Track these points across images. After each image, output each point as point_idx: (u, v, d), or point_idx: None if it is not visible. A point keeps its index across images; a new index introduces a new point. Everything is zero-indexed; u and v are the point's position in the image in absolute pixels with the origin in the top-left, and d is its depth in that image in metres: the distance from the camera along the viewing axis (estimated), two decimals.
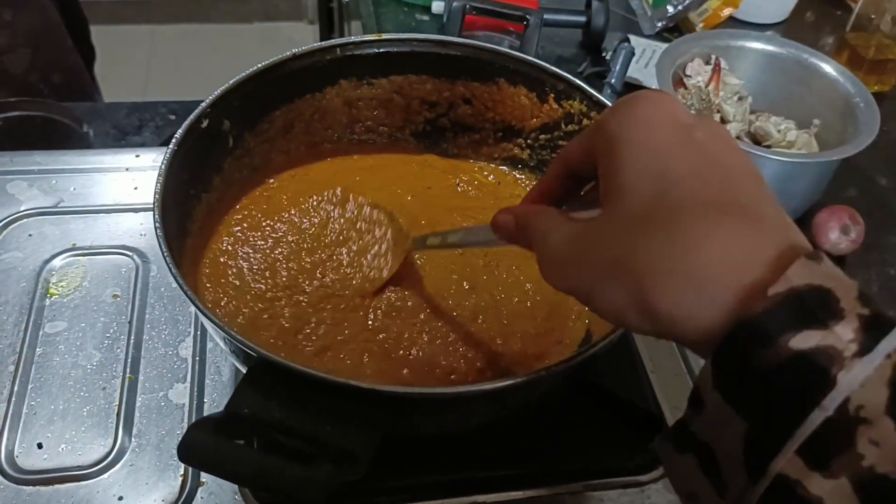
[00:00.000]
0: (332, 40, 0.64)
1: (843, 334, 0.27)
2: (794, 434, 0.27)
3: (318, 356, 0.54)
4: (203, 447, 0.40)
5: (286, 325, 0.56)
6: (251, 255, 0.60)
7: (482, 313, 0.58)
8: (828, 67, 0.87)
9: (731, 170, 0.33)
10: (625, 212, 0.32)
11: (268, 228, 0.62)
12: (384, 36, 0.65)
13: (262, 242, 0.61)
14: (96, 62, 1.33)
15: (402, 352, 0.55)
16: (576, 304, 0.59)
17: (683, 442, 0.31)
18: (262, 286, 0.58)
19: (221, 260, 0.59)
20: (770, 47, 0.91)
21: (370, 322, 0.56)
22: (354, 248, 0.61)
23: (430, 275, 0.60)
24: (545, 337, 0.57)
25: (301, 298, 0.57)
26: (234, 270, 0.59)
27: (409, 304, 0.58)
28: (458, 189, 0.69)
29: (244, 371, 0.46)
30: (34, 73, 1.08)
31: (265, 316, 0.56)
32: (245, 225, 0.62)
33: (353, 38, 0.64)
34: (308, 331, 0.55)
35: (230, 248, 0.60)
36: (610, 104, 0.60)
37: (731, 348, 0.29)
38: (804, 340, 0.27)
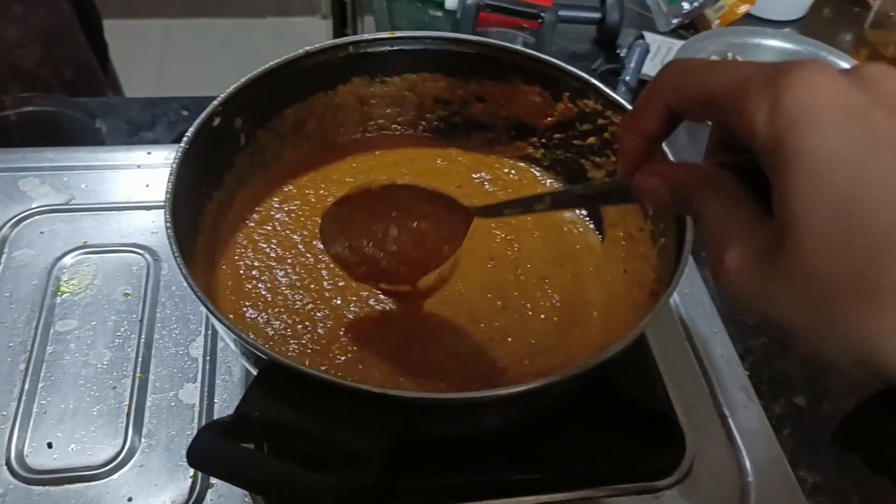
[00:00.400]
0: (345, 38, 0.63)
1: None
2: None
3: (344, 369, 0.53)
4: (213, 452, 0.40)
5: (312, 336, 0.55)
6: (276, 259, 0.60)
7: (512, 333, 0.57)
8: (846, 65, 0.86)
9: None
10: (814, 251, 0.27)
11: (292, 230, 0.62)
12: (397, 34, 0.64)
13: (287, 247, 0.61)
14: (111, 56, 1.33)
15: (432, 376, 0.54)
16: (598, 315, 0.58)
17: None
18: (290, 296, 0.57)
19: (243, 264, 0.59)
20: (787, 45, 0.90)
21: (400, 343, 0.55)
22: (399, 239, 0.54)
23: (466, 295, 0.59)
24: (569, 349, 0.56)
25: (327, 312, 0.57)
26: (259, 277, 0.58)
27: (441, 324, 0.57)
28: (486, 188, 0.68)
29: (255, 373, 0.46)
30: (46, 69, 1.08)
31: (291, 328, 0.55)
32: (267, 227, 0.62)
33: (365, 36, 0.64)
34: (336, 348, 0.55)
35: (251, 252, 0.60)
36: (625, 103, 0.59)
37: None
38: None
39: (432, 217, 0.53)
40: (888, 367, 0.26)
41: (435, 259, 0.54)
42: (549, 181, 0.69)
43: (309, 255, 0.60)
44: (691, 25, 1.12)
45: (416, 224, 0.53)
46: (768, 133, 0.28)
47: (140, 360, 0.60)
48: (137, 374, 0.59)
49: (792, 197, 0.27)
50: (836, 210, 0.26)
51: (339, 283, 0.58)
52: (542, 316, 0.58)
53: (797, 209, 0.27)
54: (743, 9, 1.11)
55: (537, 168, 0.69)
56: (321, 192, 0.65)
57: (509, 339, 0.56)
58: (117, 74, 1.33)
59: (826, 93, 0.27)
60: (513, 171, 0.69)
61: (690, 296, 0.69)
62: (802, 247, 0.27)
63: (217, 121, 0.57)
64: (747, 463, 0.57)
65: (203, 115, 0.56)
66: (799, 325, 0.28)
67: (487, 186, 0.68)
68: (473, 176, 0.68)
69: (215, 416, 0.57)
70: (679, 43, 0.99)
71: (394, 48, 0.65)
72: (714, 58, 0.89)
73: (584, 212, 0.66)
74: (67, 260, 0.66)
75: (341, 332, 0.55)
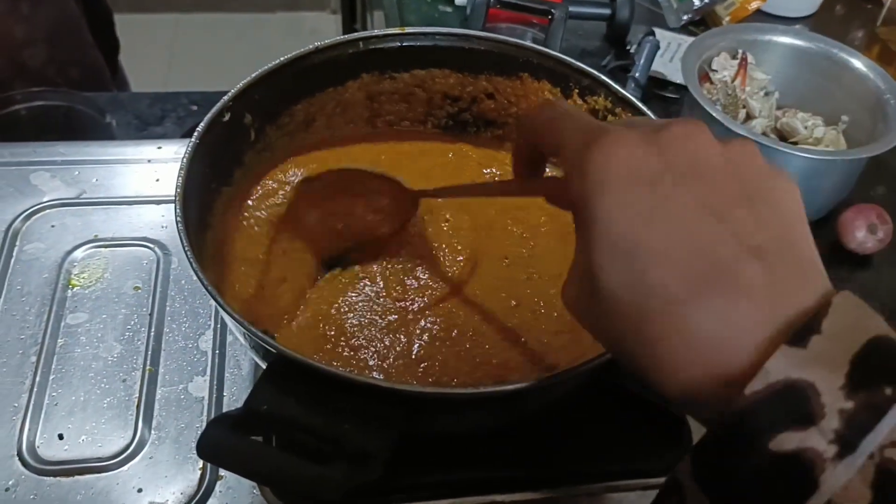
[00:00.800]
0: (355, 34, 0.63)
1: (824, 435, 0.26)
2: None
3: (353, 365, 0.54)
4: (221, 444, 0.40)
5: (322, 331, 0.55)
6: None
7: (525, 333, 0.56)
8: (857, 63, 0.86)
9: (705, 223, 0.30)
10: (608, 297, 0.31)
11: None
12: (407, 30, 0.64)
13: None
14: (122, 50, 1.34)
15: (443, 375, 0.54)
16: None
17: None
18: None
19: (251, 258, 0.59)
20: (798, 42, 0.90)
21: (414, 350, 0.55)
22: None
23: (481, 297, 0.59)
24: (580, 348, 0.56)
25: (337, 307, 0.57)
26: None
27: (453, 324, 0.56)
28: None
29: (264, 366, 0.46)
30: (51, 68, 1.09)
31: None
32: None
33: (375, 32, 0.64)
34: (346, 344, 0.55)
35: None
36: (635, 100, 0.59)
37: (712, 445, 0.28)
38: (784, 442, 0.26)
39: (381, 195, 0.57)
40: (662, 386, 0.30)
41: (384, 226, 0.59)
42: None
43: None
44: (702, 22, 1.12)
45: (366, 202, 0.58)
46: (575, 193, 0.32)
47: (150, 353, 0.60)
48: (147, 367, 0.60)
49: (588, 252, 0.31)
50: (620, 268, 0.30)
51: (350, 278, 0.58)
52: (555, 314, 0.58)
53: (592, 262, 0.31)
54: (754, 5, 1.10)
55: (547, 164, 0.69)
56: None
57: (522, 339, 0.56)
58: (126, 74, 1.34)
59: (621, 161, 0.31)
60: None
61: None
62: (600, 293, 0.31)
63: (227, 116, 0.57)
64: None
65: (213, 110, 0.56)
66: (611, 349, 0.34)
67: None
68: (484, 171, 0.68)
69: (224, 409, 0.58)
70: (689, 39, 0.98)
71: (403, 44, 0.65)
72: (724, 56, 0.89)
73: None
74: (78, 253, 0.67)
75: (352, 329, 0.55)
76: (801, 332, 0.28)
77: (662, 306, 0.29)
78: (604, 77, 0.61)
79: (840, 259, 0.79)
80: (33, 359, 0.59)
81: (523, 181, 0.43)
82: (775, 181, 0.32)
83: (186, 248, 0.47)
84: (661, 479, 0.55)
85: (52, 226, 0.69)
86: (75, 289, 0.64)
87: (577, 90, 0.63)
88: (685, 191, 0.30)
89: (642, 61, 0.94)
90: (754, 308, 0.29)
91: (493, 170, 0.68)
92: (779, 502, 0.26)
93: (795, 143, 0.84)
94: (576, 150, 0.33)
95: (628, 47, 1.04)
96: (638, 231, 0.30)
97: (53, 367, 0.59)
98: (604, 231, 0.31)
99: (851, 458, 0.25)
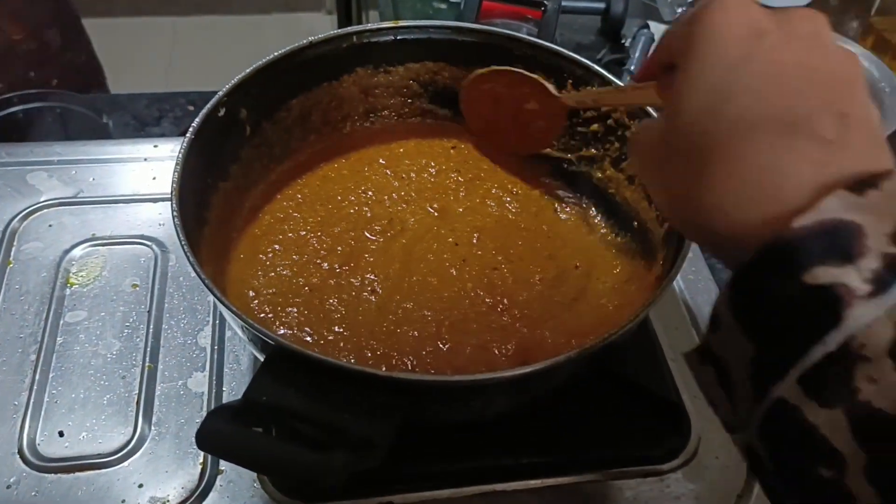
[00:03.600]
0: (349, 28, 0.64)
1: (861, 273, 0.27)
2: (795, 364, 0.28)
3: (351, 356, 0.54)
4: (221, 435, 0.40)
5: (320, 324, 0.55)
6: (283, 249, 0.60)
7: (523, 326, 0.57)
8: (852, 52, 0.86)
9: (800, 80, 0.31)
10: (689, 123, 0.32)
11: (299, 221, 0.62)
12: (400, 23, 0.64)
13: (294, 237, 0.61)
14: (121, 53, 1.33)
15: (443, 368, 0.54)
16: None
17: (705, 354, 0.33)
18: (297, 285, 0.58)
19: (249, 254, 0.59)
20: None
21: (410, 335, 0.55)
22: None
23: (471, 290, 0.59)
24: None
25: (334, 301, 0.57)
26: (266, 267, 0.59)
27: (452, 318, 0.57)
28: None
29: (262, 359, 0.46)
30: (48, 68, 1.09)
31: (298, 316, 0.56)
32: (274, 218, 0.62)
33: (369, 26, 0.64)
34: (344, 336, 0.55)
35: (257, 242, 0.60)
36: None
37: (750, 273, 0.29)
38: (819, 276, 0.27)
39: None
40: (713, 225, 0.31)
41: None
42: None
43: (316, 245, 0.60)
44: None
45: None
46: (684, 37, 0.34)
47: (149, 349, 0.60)
48: (146, 364, 0.60)
49: (678, 85, 0.33)
50: (704, 95, 0.32)
51: (347, 273, 0.58)
52: (555, 304, 0.58)
53: (680, 92, 0.33)
54: None
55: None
56: (327, 182, 0.65)
57: (525, 330, 0.56)
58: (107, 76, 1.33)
59: (735, 12, 0.33)
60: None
61: (695, 281, 0.69)
62: (678, 121, 0.33)
63: (222, 112, 0.57)
64: None
65: (208, 105, 0.56)
66: (668, 191, 0.35)
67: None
68: (483, 166, 0.68)
69: None
70: None
71: (397, 38, 0.65)
72: None
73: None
74: (76, 252, 0.67)
75: (349, 322, 0.55)
76: (860, 183, 0.28)
77: (736, 134, 0.31)
78: (597, 67, 0.61)
79: None
80: (33, 357, 0.59)
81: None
82: (865, 84, 0.33)
83: (183, 243, 0.47)
84: (661, 466, 0.55)
85: (50, 225, 0.69)
86: (74, 287, 0.64)
87: (570, 81, 0.63)
88: (790, 50, 0.32)
89: (637, 54, 0.94)
90: (822, 154, 0.30)
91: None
92: (803, 333, 0.27)
93: None
94: (688, 16, 0.35)
95: (623, 41, 1.04)
96: (729, 71, 0.31)
97: (53, 364, 0.59)
98: (699, 63, 0.32)
99: (883, 297, 0.26)
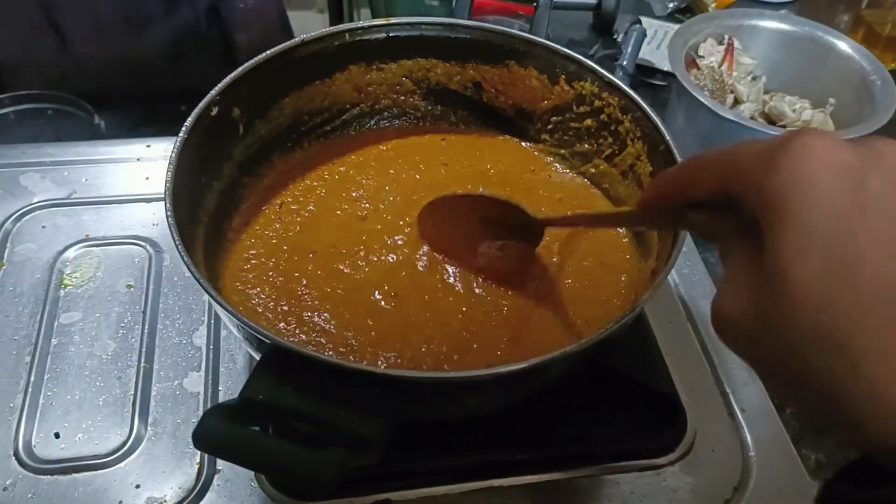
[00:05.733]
0: (341, 25, 0.64)
1: None
2: None
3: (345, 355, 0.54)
4: (217, 434, 0.40)
5: (315, 323, 0.55)
6: (277, 248, 0.60)
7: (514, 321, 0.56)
8: (843, 45, 0.86)
9: None
10: (792, 299, 0.27)
11: (293, 219, 0.62)
12: (393, 20, 0.64)
13: (288, 236, 0.61)
14: None
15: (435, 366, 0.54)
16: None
17: None
18: (292, 284, 0.57)
19: (244, 254, 0.59)
20: (784, 26, 0.90)
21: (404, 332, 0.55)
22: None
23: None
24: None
25: (328, 301, 0.57)
26: (260, 266, 0.58)
27: (443, 315, 0.56)
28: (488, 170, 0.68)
29: (258, 358, 0.46)
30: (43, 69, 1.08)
31: (294, 315, 0.56)
32: (267, 217, 0.62)
33: (361, 23, 0.64)
34: (336, 335, 0.55)
35: (251, 242, 0.60)
36: (621, 84, 0.60)
37: None
38: None
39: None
40: (873, 423, 0.26)
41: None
42: (549, 159, 0.69)
43: (310, 245, 0.60)
44: (687, 9, 1.12)
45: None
46: (767, 190, 0.28)
47: (144, 350, 0.60)
48: (142, 364, 0.60)
49: (779, 251, 0.27)
50: (822, 266, 0.26)
51: (341, 273, 0.58)
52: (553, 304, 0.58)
53: (786, 261, 0.27)
54: None
55: (538, 150, 0.69)
56: (321, 180, 0.65)
57: (520, 325, 0.56)
58: None
59: (823, 154, 0.28)
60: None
61: (690, 276, 0.69)
62: (790, 298, 0.27)
63: (215, 110, 0.57)
64: (749, 439, 0.58)
65: (201, 104, 0.56)
66: (789, 377, 0.28)
67: (489, 167, 0.68)
68: (474, 161, 0.68)
69: None
70: (675, 27, 0.98)
71: (389, 35, 0.65)
72: (711, 42, 0.89)
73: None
74: (70, 253, 0.67)
75: (345, 320, 0.55)
76: None
77: (872, 320, 0.25)
78: (589, 62, 0.61)
79: None
80: (28, 359, 0.59)
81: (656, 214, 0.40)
82: None
83: (177, 242, 0.47)
84: (655, 461, 0.56)
85: (44, 226, 0.68)
86: (68, 288, 0.64)
87: (563, 76, 0.63)
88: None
89: (629, 50, 0.94)
90: None
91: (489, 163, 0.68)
92: None
93: (784, 127, 0.85)
94: (758, 159, 0.29)
95: (615, 36, 1.05)
96: (848, 226, 0.26)
97: (48, 366, 0.59)
98: (803, 224, 0.27)
99: None
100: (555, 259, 0.60)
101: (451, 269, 0.59)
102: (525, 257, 0.59)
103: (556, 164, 0.68)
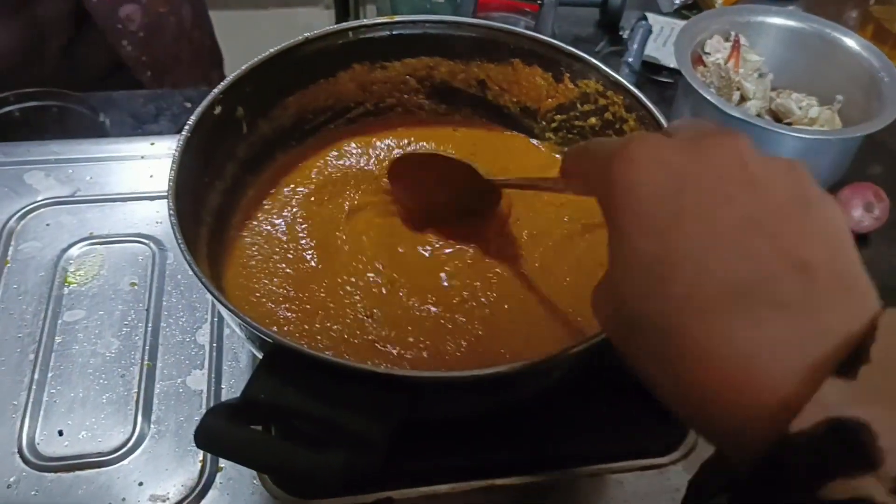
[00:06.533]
0: (345, 24, 0.63)
1: (884, 483, 0.22)
2: None
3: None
4: (218, 433, 0.40)
5: (318, 322, 0.55)
6: (280, 248, 0.60)
7: (510, 322, 0.56)
8: (851, 42, 0.85)
9: (737, 232, 0.27)
10: (623, 308, 0.29)
11: (296, 220, 0.62)
12: (396, 18, 0.64)
13: (291, 236, 0.61)
14: None
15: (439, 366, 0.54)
16: None
17: None
18: (294, 284, 0.57)
19: (247, 253, 0.59)
20: (791, 22, 0.90)
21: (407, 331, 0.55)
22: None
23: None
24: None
25: (331, 300, 0.56)
26: (263, 265, 0.58)
27: (446, 314, 0.56)
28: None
29: (260, 357, 0.46)
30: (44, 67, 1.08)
31: (296, 314, 0.55)
32: (271, 217, 0.62)
33: (365, 21, 0.64)
34: (340, 335, 0.54)
35: (255, 241, 0.60)
36: (625, 82, 0.59)
37: (750, 489, 0.25)
38: (836, 490, 0.23)
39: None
40: (694, 423, 0.28)
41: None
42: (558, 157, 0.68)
43: (313, 244, 0.60)
44: (694, 5, 1.11)
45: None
46: (602, 205, 0.31)
47: (147, 348, 0.60)
48: (145, 362, 0.60)
49: (611, 264, 0.30)
50: (640, 279, 0.28)
51: (345, 272, 0.58)
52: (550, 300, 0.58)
53: (613, 275, 0.30)
54: None
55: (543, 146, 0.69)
56: (325, 179, 0.65)
57: (522, 323, 0.56)
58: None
59: (646, 166, 0.29)
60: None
61: None
62: (621, 307, 0.29)
63: (218, 109, 0.57)
64: None
65: (204, 102, 0.56)
66: (637, 371, 0.30)
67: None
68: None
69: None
70: (682, 23, 0.98)
71: (393, 33, 0.65)
72: (717, 38, 0.89)
73: None
74: (74, 251, 0.67)
75: (348, 319, 0.55)
76: (848, 361, 0.24)
77: (685, 320, 0.27)
78: (594, 60, 0.61)
79: None
80: (32, 356, 0.59)
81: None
82: (822, 200, 0.29)
83: (180, 241, 0.47)
84: (658, 460, 0.55)
85: (48, 224, 0.69)
86: (72, 286, 0.64)
87: (568, 74, 0.63)
88: (720, 197, 0.28)
89: (635, 46, 0.94)
90: (792, 325, 0.26)
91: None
92: None
93: (790, 124, 0.84)
94: (601, 167, 0.31)
95: (621, 33, 1.04)
96: (661, 239, 0.28)
97: (52, 364, 0.59)
98: (624, 241, 0.29)
99: None
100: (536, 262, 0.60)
101: (457, 263, 0.59)
102: (485, 217, 0.61)
103: None
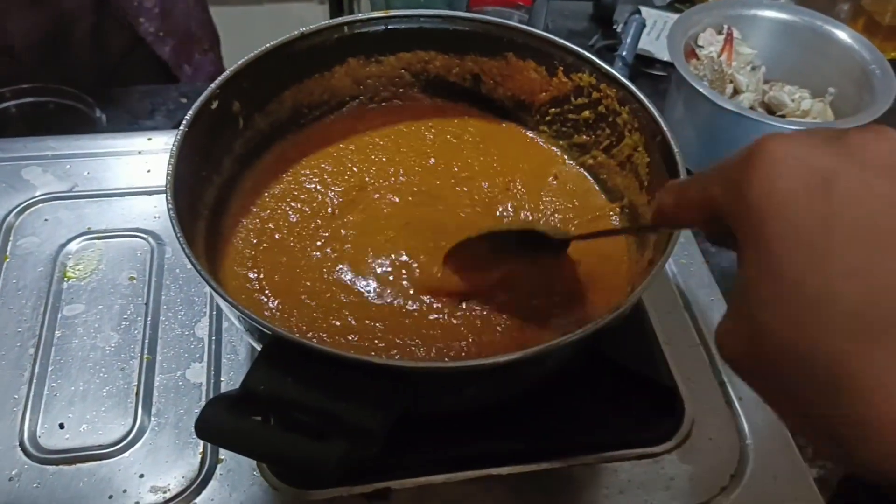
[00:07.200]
0: (340, 18, 0.64)
1: None
2: None
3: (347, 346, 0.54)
4: (219, 424, 0.41)
5: (316, 314, 0.55)
6: (278, 240, 0.60)
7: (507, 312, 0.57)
8: (843, 35, 0.86)
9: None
10: (766, 338, 0.25)
11: (293, 212, 0.62)
12: (391, 12, 0.65)
13: (289, 228, 0.61)
14: None
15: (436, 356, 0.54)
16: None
17: None
18: (292, 276, 0.58)
19: (245, 246, 0.60)
20: (783, 15, 0.90)
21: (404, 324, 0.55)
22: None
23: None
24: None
25: (329, 292, 0.57)
26: (261, 258, 0.59)
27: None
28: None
29: (259, 349, 0.46)
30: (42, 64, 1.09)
31: (295, 306, 0.56)
32: (268, 210, 0.62)
33: (360, 16, 0.64)
34: (338, 326, 0.55)
35: (252, 234, 0.60)
36: (618, 75, 0.60)
37: None
38: None
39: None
40: (866, 456, 0.24)
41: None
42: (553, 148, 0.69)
43: (310, 236, 0.61)
44: None
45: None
46: (737, 218, 0.27)
47: (147, 341, 0.61)
48: (145, 356, 0.60)
49: (745, 288, 0.26)
50: (796, 282, 0.25)
51: (341, 264, 0.59)
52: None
53: (750, 299, 0.26)
54: None
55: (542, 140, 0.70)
56: (321, 173, 0.66)
57: (504, 317, 0.57)
58: None
59: (789, 168, 0.26)
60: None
61: (688, 266, 0.69)
62: (763, 337, 0.25)
63: (215, 104, 0.58)
64: (746, 427, 0.58)
65: (201, 98, 0.56)
66: (788, 410, 0.27)
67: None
68: (469, 152, 0.69)
69: None
70: (675, 17, 0.99)
71: (388, 27, 0.65)
72: (710, 31, 0.89)
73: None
74: (72, 246, 0.67)
75: (346, 311, 0.56)
76: None
77: (851, 347, 0.23)
78: (588, 54, 0.62)
79: None
80: (31, 351, 0.60)
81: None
82: None
83: (179, 235, 0.48)
84: (653, 449, 0.56)
85: (46, 220, 0.69)
86: (71, 281, 0.65)
87: (561, 68, 0.63)
88: (876, 190, 0.24)
89: (629, 40, 0.95)
90: None
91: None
92: None
93: (783, 117, 0.85)
94: (726, 185, 0.27)
95: (615, 26, 1.05)
96: (811, 244, 0.24)
97: (52, 358, 0.60)
98: (768, 255, 0.25)
99: None
100: None
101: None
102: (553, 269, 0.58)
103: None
